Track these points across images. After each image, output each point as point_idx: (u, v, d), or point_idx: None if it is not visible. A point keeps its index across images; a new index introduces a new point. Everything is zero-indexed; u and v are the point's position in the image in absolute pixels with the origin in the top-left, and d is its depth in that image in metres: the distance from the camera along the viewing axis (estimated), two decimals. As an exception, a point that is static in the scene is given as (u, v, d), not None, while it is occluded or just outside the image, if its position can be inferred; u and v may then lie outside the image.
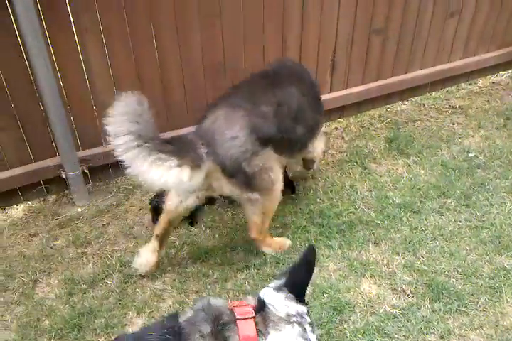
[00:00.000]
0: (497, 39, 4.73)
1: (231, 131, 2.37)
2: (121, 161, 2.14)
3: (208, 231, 3.00)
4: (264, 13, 3.49)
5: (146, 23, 3.11)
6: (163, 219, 2.60)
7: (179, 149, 2.18)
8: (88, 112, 3.24)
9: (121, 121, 2.07)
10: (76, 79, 3.10)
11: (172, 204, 2.53)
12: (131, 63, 3.19)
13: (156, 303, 2.51)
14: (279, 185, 2.62)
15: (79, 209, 3.19)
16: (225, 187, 2.43)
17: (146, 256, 2.62)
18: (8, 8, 2.70)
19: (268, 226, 2.75)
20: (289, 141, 2.62)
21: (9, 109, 2.99)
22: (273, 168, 2.53)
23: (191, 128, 3.53)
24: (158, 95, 3.39)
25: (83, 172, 3.24)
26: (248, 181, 2.41)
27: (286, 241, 2.87)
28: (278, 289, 1.47)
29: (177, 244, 2.89)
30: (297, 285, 1.49)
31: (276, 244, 2.82)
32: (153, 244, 2.63)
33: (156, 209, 2.90)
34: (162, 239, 2.64)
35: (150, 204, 3.03)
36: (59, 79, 3.02)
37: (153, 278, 2.66)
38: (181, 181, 2.13)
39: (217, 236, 2.96)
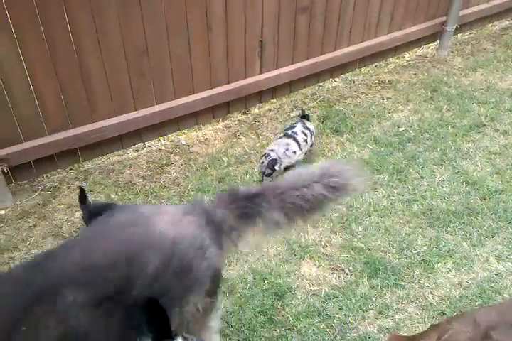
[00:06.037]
0: (421, 12, 4.80)
1: None
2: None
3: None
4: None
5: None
6: None
7: None
8: (3, 108, 3.00)
9: None
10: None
11: None
12: (44, 51, 2.96)
13: None
14: None
15: (2, 212, 2.98)
16: None
17: None
18: None
19: None
20: None
21: None
22: None
23: (118, 118, 3.44)
24: (78, 84, 3.19)
25: (3, 172, 3.02)
26: None
27: None
28: None
29: None
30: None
31: None
32: None
33: None
34: None
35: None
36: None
37: None
38: None
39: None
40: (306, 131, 3.37)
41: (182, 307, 1.56)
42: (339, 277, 2.53)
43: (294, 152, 3.28)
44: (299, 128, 3.38)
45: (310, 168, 1.89)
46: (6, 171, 3.04)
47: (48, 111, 3.17)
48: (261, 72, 4.09)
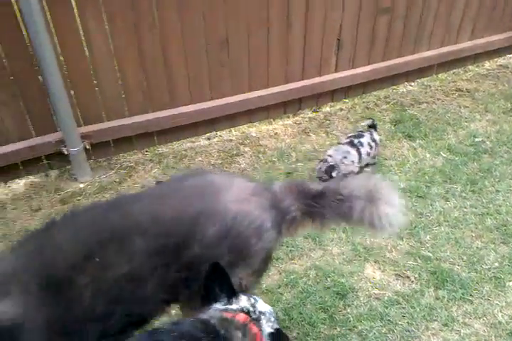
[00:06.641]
0: (505, 21, 4.63)
1: None
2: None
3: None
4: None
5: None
6: None
7: None
8: (89, 87, 3.16)
9: None
10: (76, 54, 3.01)
11: None
12: (131, 36, 3.09)
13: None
14: None
15: (81, 185, 3.15)
16: None
17: None
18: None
19: None
20: None
21: (9, 82, 2.91)
22: None
23: (194, 106, 3.53)
24: (160, 71, 3.30)
25: (85, 148, 3.18)
26: None
27: None
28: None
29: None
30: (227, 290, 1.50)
31: None
32: None
33: None
34: None
35: None
36: (58, 54, 2.94)
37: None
38: None
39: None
40: (373, 144, 3.24)
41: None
42: (404, 284, 2.50)
43: (352, 162, 3.14)
44: (366, 139, 3.23)
45: (368, 181, 1.91)
46: (87, 147, 3.20)
47: (130, 95, 3.31)
48: (336, 71, 4.07)
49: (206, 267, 1.56)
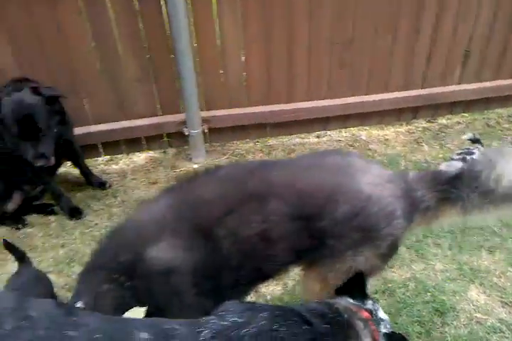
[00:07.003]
0: None
1: None
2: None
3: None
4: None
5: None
6: None
7: None
8: (216, 76, 3.31)
9: None
10: (209, 44, 3.18)
11: None
12: (261, 34, 3.21)
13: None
14: None
15: (194, 166, 3.31)
16: None
17: None
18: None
19: None
20: None
21: (146, 62, 3.13)
22: None
23: (310, 103, 3.57)
24: (282, 66, 3.39)
25: (203, 131, 3.34)
26: None
27: None
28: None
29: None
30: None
31: None
32: None
33: None
34: None
35: None
36: (193, 42, 3.11)
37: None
38: None
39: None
40: None
41: (355, 255, 1.70)
42: (510, 313, 2.37)
43: None
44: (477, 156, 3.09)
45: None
46: (205, 131, 3.36)
47: (252, 86, 3.43)
48: (459, 83, 3.93)
49: (332, 241, 1.65)
